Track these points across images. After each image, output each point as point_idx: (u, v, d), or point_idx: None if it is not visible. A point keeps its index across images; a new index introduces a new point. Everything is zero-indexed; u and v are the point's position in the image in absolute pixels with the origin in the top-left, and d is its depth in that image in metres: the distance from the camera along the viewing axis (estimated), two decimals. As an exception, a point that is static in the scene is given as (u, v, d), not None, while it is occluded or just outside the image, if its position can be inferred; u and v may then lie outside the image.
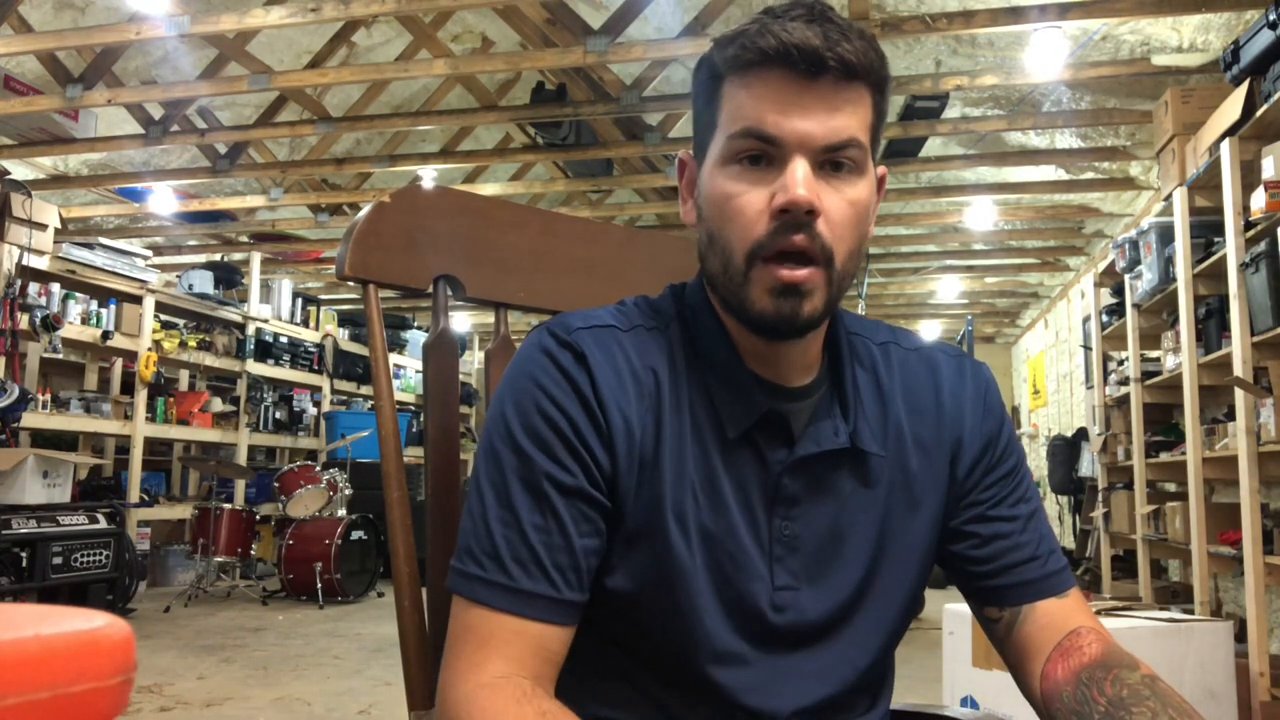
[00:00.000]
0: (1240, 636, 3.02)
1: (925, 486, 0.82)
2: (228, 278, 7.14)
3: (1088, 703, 0.74)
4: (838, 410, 0.80)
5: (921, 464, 0.82)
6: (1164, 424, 4.54)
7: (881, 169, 0.80)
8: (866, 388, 0.82)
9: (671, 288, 0.85)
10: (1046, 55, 4.11)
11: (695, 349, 0.80)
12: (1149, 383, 4.34)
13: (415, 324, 9.60)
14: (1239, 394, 3.07)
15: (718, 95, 0.75)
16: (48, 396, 5.54)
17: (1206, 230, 3.55)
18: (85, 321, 5.71)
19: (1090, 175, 5.71)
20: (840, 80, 0.71)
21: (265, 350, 7.37)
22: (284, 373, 7.63)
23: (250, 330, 7.20)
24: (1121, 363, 4.87)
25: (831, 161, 0.72)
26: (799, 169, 0.71)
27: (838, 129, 0.71)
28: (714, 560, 0.76)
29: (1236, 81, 3.20)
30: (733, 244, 0.73)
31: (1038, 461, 8.79)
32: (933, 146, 5.45)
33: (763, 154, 0.72)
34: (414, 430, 8.07)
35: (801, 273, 0.72)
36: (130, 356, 6.21)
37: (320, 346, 8.08)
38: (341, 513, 6.31)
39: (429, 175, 5.99)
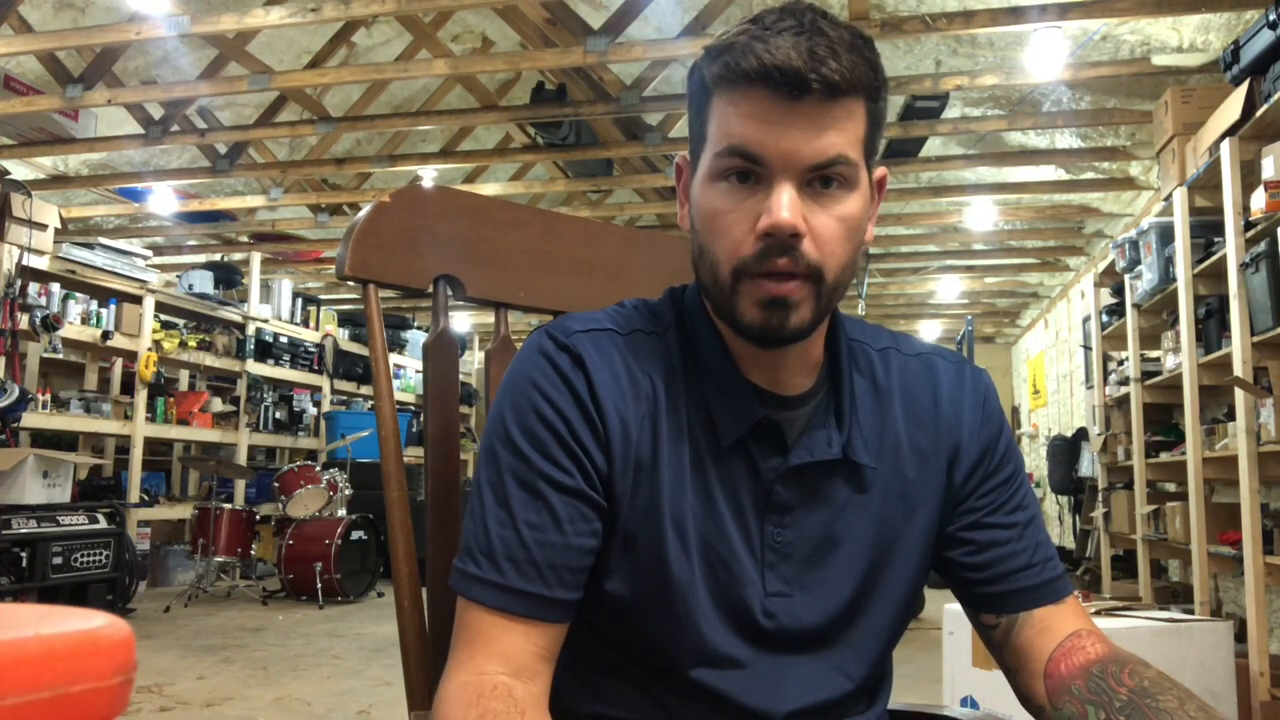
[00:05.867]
0: (1240, 636, 3.02)
1: (922, 493, 0.82)
2: (228, 278, 7.13)
3: (1106, 692, 0.73)
4: (833, 419, 0.80)
5: (918, 470, 0.82)
6: (1164, 424, 4.54)
7: (881, 170, 0.79)
8: (864, 395, 0.82)
9: (670, 291, 0.85)
10: (1046, 55, 4.11)
11: (693, 355, 0.80)
12: (1149, 383, 4.34)
13: (415, 324, 9.60)
14: (1239, 394, 3.07)
15: (707, 108, 0.74)
16: (48, 396, 5.54)
17: (1206, 230, 3.55)
18: (85, 321, 5.71)
19: (1090, 175, 5.71)
20: (826, 99, 0.69)
21: (265, 350, 7.37)
22: (284, 373, 7.63)
23: (250, 330, 7.20)
24: (1121, 363, 4.87)
25: (820, 178, 0.72)
26: (783, 192, 0.70)
27: (824, 148, 0.70)
28: (709, 565, 0.77)
29: (1236, 81, 3.20)
30: (720, 260, 0.74)
31: (1038, 461, 8.78)
32: (933, 146, 5.45)
33: (749, 172, 0.72)
34: (414, 430, 8.07)
35: (788, 286, 0.72)
36: (130, 356, 6.21)
37: (320, 346, 8.08)
38: (341, 513, 6.31)
39: (429, 175, 5.99)
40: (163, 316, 6.54)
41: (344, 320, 8.74)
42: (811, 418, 0.80)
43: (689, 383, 0.79)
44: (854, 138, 0.72)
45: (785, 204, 0.70)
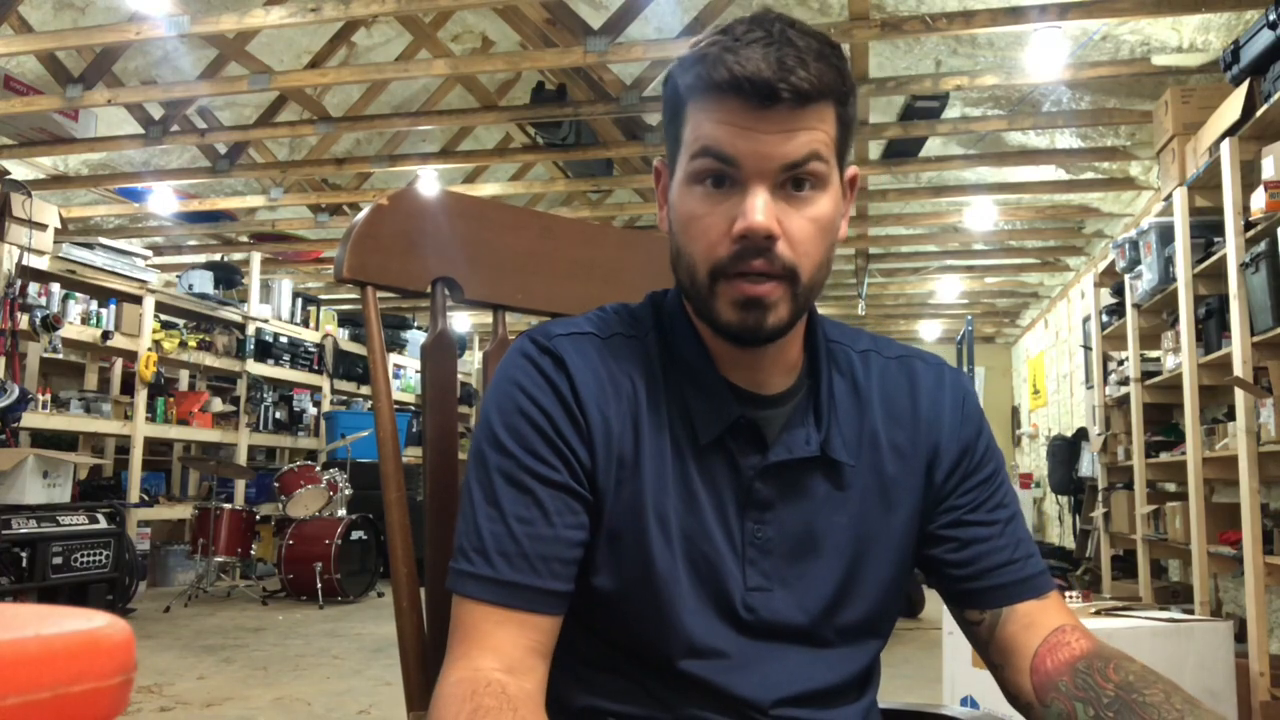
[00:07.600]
0: (1240, 636, 3.02)
1: (901, 491, 0.84)
2: (228, 278, 7.13)
3: (1092, 688, 0.75)
4: (811, 418, 0.82)
5: (898, 469, 0.84)
6: (1164, 424, 4.54)
7: (853, 170, 0.81)
8: (844, 395, 0.84)
9: (651, 295, 0.88)
10: (1046, 55, 4.11)
11: (672, 356, 0.82)
12: (1149, 383, 4.34)
13: (415, 324, 9.60)
14: (1239, 394, 3.07)
15: (681, 114, 0.76)
16: (48, 396, 5.54)
17: (1206, 230, 3.55)
18: (85, 321, 5.71)
19: (1090, 175, 5.70)
20: (795, 106, 0.71)
21: (265, 350, 7.37)
22: (284, 373, 7.63)
23: (250, 330, 7.20)
24: (1121, 363, 4.87)
25: (793, 180, 0.73)
26: (757, 196, 0.72)
27: (795, 149, 0.72)
28: (691, 560, 0.79)
29: (1236, 81, 3.20)
30: (697, 262, 0.76)
31: (1038, 461, 8.78)
32: (933, 146, 5.45)
33: (724, 175, 0.74)
34: (414, 430, 8.07)
35: (764, 287, 0.74)
36: (130, 356, 6.21)
37: (320, 346, 8.09)
38: (341, 513, 6.31)
39: (429, 175, 5.99)
40: (163, 316, 6.54)
41: (344, 320, 8.74)
42: (791, 416, 0.82)
43: (669, 383, 0.81)
44: (825, 138, 0.74)
45: (759, 207, 0.72)
